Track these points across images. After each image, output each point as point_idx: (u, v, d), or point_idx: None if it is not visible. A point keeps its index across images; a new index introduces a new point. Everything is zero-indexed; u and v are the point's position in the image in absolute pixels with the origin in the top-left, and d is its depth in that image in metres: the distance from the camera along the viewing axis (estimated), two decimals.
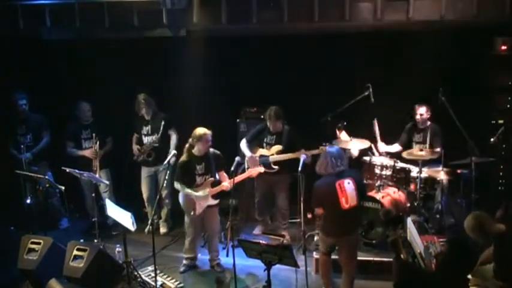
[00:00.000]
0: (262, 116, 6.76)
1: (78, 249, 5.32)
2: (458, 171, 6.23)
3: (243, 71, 7.14)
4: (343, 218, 4.93)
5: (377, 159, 6.48)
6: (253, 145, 6.45)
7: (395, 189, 6.36)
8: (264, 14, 6.48)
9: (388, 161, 6.42)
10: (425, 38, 6.60)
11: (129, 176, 7.14)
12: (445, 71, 6.67)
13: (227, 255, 6.08)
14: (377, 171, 6.42)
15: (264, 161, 6.30)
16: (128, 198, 6.85)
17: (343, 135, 6.37)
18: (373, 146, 6.53)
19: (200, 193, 5.71)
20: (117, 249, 5.89)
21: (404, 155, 6.30)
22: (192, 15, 6.53)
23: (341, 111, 6.44)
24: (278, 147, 6.33)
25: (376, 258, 5.78)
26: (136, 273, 5.55)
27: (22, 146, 6.63)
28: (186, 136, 6.10)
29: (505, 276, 4.18)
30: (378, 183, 6.32)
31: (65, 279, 5.20)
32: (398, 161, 6.35)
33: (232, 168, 5.39)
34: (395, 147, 6.69)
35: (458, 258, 3.84)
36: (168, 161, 5.60)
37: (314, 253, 5.77)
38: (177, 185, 5.75)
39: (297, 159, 5.53)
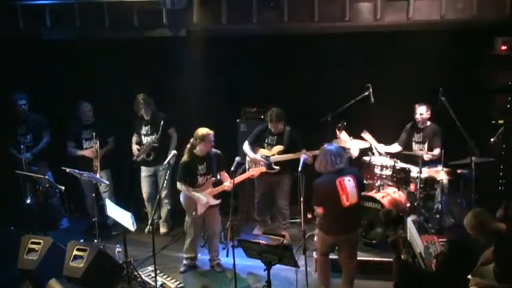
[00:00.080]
0: (262, 116, 6.77)
1: (78, 249, 5.33)
2: (458, 171, 6.23)
3: (243, 71, 7.14)
4: (344, 216, 4.93)
5: (377, 159, 6.48)
6: (255, 146, 6.45)
7: (395, 189, 6.36)
8: (264, 14, 6.47)
9: (388, 161, 6.42)
10: (425, 38, 6.60)
11: (129, 176, 7.16)
12: (445, 71, 6.67)
13: (227, 255, 6.08)
14: (377, 171, 6.42)
15: (266, 161, 6.30)
16: (128, 198, 6.85)
17: (343, 135, 6.37)
18: (373, 146, 6.53)
19: (202, 197, 5.71)
20: (117, 249, 5.89)
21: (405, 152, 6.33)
22: (192, 15, 6.53)
23: (341, 111, 6.44)
24: (279, 148, 6.33)
25: (376, 258, 5.78)
26: (136, 273, 5.55)
27: (22, 146, 6.63)
28: (186, 136, 6.10)
29: (505, 277, 4.18)
30: (378, 183, 6.32)
31: (65, 279, 5.20)
32: (398, 161, 6.35)
33: (232, 168, 5.40)
34: (395, 147, 6.69)
35: (458, 259, 3.84)
36: (168, 161, 5.60)
37: (314, 253, 5.77)
38: (179, 186, 5.75)
39: (298, 160, 5.53)
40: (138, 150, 6.80)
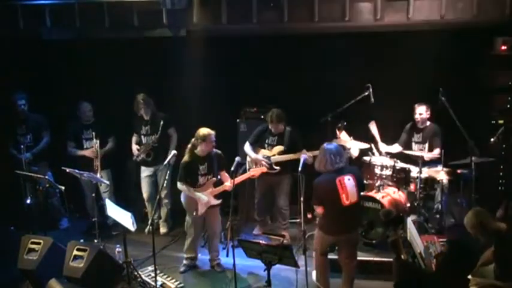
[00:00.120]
0: (262, 116, 6.78)
1: (78, 249, 5.33)
2: (458, 171, 6.23)
3: (243, 71, 7.14)
4: (344, 215, 4.92)
5: (377, 159, 6.48)
6: (255, 147, 6.46)
7: (395, 189, 6.36)
8: (264, 14, 6.47)
9: (388, 161, 6.42)
10: (425, 38, 6.60)
11: (129, 176, 7.15)
12: (445, 71, 6.67)
13: (227, 255, 6.08)
14: (377, 171, 6.42)
15: (267, 162, 6.31)
16: (128, 198, 6.85)
17: (343, 135, 6.37)
18: (373, 146, 6.53)
19: (203, 196, 5.72)
20: (117, 249, 5.89)
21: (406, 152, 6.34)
22: (192, 15, 6.53)
23: (341, 111, 6.44)
24: (280, 148, 6.33)
25: (376, 258, 5.79)
26: (136, 273, 5.55)
27: (22, 146, 6.63)
28: (186, 136, 6.10)
29: (506, 276, 4.18)
30: (378, 183, 6.32)
31: (65, 279, 5.20)
32: (398, 161, 6.35)
33: (232, 168, 5.40)
34: (396, 148, 6.69)
35: (458, 259, 3.84)
36: (168, 161, 5.60)
37: (314, 253, 5.76)
38: (179, 185, 5.75)
39: (298, 160, 5.53)
40: (138, 150, 6.80)
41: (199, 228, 6.01)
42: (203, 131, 5.64)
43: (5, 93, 6.81)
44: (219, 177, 5.85)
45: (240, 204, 6.98)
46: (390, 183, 6.36)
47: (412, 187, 6.34)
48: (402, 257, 4.06)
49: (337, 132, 6.38)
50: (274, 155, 6.35)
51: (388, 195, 6.21)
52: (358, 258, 5.31)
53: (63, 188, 6.20)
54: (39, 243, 5.40)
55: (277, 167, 6.32)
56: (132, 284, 5.45)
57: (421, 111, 6.43)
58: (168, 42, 6.90)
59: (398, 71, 6.77)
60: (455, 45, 6.66)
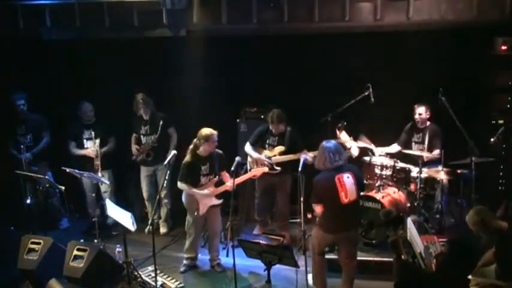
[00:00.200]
0: (262, 116, 6.78)
1: (78, 249, 5.33)
2: (458, 171, 6.22)
3: (243, 71, 7.14)
4: (343, 213, 4.91)
5: (377, 159, 6.48)
6: (256, 147, 6.46)
7: (395, 189, 6.36)
8: (264, 14, 6.47)
9: (388, 161, 6.42)
10: (425, 38, 6.60)
11: (129, 176, 7.15)
12: (445, 71, 6.67)
13: (227, 255, 6.08)
14: (377, 171, 6.42)
15: (269, 162, 6.31)
16: (128, 199, 6.84)
17: (343, 135, 6.37)
18: (373, 146, 6.54)
19: (205, 191, 5.73)
20: (117, 249, 5.89)
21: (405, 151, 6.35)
22: (192, 15, 6.53)
23: (341, 111, 6.44)
24: (280, 148, 6.33)
25: (376, 258, 5.78)
26: (136, 273, 5.55)
27: (22, 146, 6.63)
28: (186, 136, 6.10)
29: (506, 276, 4.17)
30: (378, 183, 6.32)
31: (65, 279, 5.20)
32: (398, 161, 6.35)
33: (232, 168, 5.40)
34: (394, 148, 6.69)
35: (458, 259, 3.85)
36: (168, 161, 5.59)
37: (311, 253, 5.76)
38: (180, 185, 5.75)
39: (299, 160, 5.53)
40: (138, 150, 6.80)
41: (200, 228, 6.01)
42: (205, 131, 5.64)
43: (5, 93, 6.81)
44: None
45: (240, 204, 6.98)
46: (390, 183, 6.36)
47: (412, 187, 6.34)
48: (402, 257, 4.07)
49: (337, 132, 6.38)
50: (275, 155, 6.35)
51: (388, 195, 6.21)
52: (358, 258, 5.31)
53: (63, 188, 6.20)
54: (39, 243, 5.40)
55: (278, 168, 6.32)
56: (132, 284, 5.45)
57: (421, 112, 6.43)
58: (168, 42, 6.89)
59: (398, 71, 6.77)
60: (455, 45, 6.67)
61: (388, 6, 6.28)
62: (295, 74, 7.17)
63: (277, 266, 4.59)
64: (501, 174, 6.66)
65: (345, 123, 6.40)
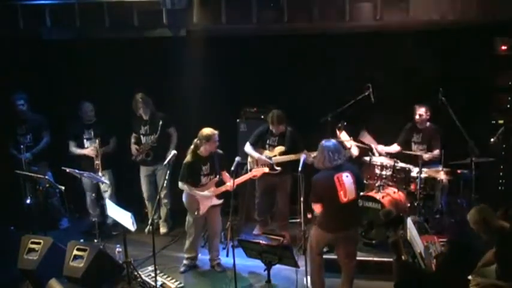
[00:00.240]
0: (262, 116, 6.78)
1: (78, 249, 5.33)
2: (458, 171, 6.23)
3: (243, 71, 7.14)
4: (342, 212, 4.91)
5: (377, 159, 6.49)
6: (256, 147, 6.46)
7: (395, 189, 6.36)
8: (264, 14, 6.47)
9: (388, 161, 6.43)
10: (425, 38, 6.60)
11: (129, 176, 7.15)
12: (445, 71, 6.67)
13: (227, 255, 6.09)
14: (377, 171, 6.42)
15: (270, 162, 6.31)
16: (128, 199, 6.84)
17: (343, 135, 6.38)
18: (373, 146, 6.54)
19: (206, 193, 5.73)
20: (117, 249, 5.89)
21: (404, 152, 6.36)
22: (192, 15, 6.52)
23: (341, 111, 6.44)
24: (281, 149, 6.33)
25: (376, 258, 5.79)
26: (136, 273, 5.55)
27: (22, 146, 6.63)
28: (186, 136, 6.09)
29: (507, 276, 4.18)
30: (378, 183, 6.32)
31: (65, 279, 5.21)
32: (398, 161, 6.36)
33: (232, 168, 5.40)
34: (394, 148, 6.70)
35: (458, 259, 3.85)
36: (168, 161, 5.59)
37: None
38: (181, 185, 5.75)
39: (299, 160, 5.54)
40: (137, 150, 6.80)
41: (200, 228, 6.01)
42: (206, 131, 5.64)
43: (5, 93, 6.80)
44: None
45: (240, 204, 6.97)
46: (390, 183, 6.37)
47: (412, 187, 6.34)
48: (403, 257, 4.07)
49: (337, 132, 6.38)
50: (275, 156, 6.35)
51: (388, 195, 6.21)
52: (358, 258, 5.31)
53: (63, 188, 6.20)
54: (39, 243, 5.40)
55: (278, 168, 6.32)
56: (132, 284, 5.45)
57: (421, 113, 6.43)
58: (168, 42, 6.89)
59: (398, 71, 6.77)
60: (455, 45, 6.66)
61: (388, 6, 6.27)
62: (295, 74, 7.17)
63: (277, 266, 4.59)
64: (501, 174, 6.66)
65: (345, 123, 6.40)
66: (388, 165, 6.37)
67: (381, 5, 6.25)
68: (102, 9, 6.67)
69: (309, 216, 6.38)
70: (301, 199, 5.07)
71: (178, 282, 5.70)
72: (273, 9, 6.43)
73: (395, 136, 6.75)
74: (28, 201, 6.62)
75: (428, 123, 6.49)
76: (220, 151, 5.83)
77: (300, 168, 5.22)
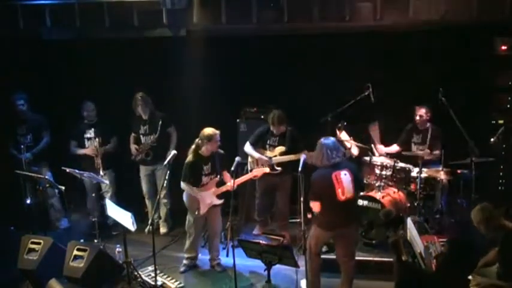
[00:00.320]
0: (262, 116, 6.78)
1: (78, 249, 5.33)
2: (458, 171, 6.23)
3: (243, 71, 7.14)
4: (340, 210, 4.91)
5: (377, 159, 6.49)
6: (256, 147, 6.46)
7: (395, 190, 6.36)
8: (264, 14, 6.47)
9: (388, 161, 6.43)
10: (425, 38, 6.60)
11: (129, 175, 7.15)
12: (445, 71, 6.67)
13: (227, 255, 6.08)
14: (377, 171, 6.42)
15: (271, 162, 6.32)
16: (128, 199, 6.84)
17: (343, 135, 6.37)
18: (372, 146, 6.54)
19: (207, 195, 5.74)
20: (117, 249, 5.89)
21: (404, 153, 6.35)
22: (192, 15, 6.53)
23: (341, 111, 6.44)
24: (281, 149, 6.33)
25: (376, 258, 5.78)
26: (136, 273, 5.55)
27: (22, 146, 6.62)
28: (186, 136, 6.09)
29: (507, 277, 4.18)
30: (378, 183, 6.32)
31: (65, 279, 5.20)
32: (398, 161, 6.36)
33: (232, 168, 5.40)
34: (394, 148, 6.70)
35: (458, 258, 3.85)
36: (168, 161, 5.59)
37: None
38: (183, 185, 5.75)
39: (299, 160, 5.53)
40: (137, 149, 6.80)
41: (200, 228, 6.01)
42: (208, 130, 5.64)
43: (5, 93, 6.80)
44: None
45: (240, 204, 6.98)
46: (390, 183, 6.37)
47: (412, 187, 6.34)
48: (403, 258, 4.06)
49: (337, 132, 6.38)
50: (275, 156, 6.35)
51: (388, 195, 6.21)
52: (358, 258, 5.31)
53: (63, 188, 6.21)
54: (39, 243, 5.40)
55: (279, 168, 6.32)
56: (132, 284, 5.45)
57: (422, 114, 6.43)
58: (168, 42, 6.90)
59: (398, 71, 6.77)
60: (455, 45, 6.66)
61: (388, 6, 6.28)
62: (295, 74, 7.17)
63: (277, 266, 4.59)
64: (501, 174, 6.67)
65: (345, 123, 6.39)
66: (388, 165, 6.37)
67: (381, 5, 6.26)
68: (102, 9, 6.67)
69: (309, 216, 6.38)
70: (301, 199, 5.07)
71: (178, 282, 5.70)
72: (273, 9, 6.44)
73: (396, 136, 6.75)
74: (28, 201, 6.61)
75: (428, 124, 6.49)
76: (221, 151, 5.83)
77: (300, 168, 5.22)
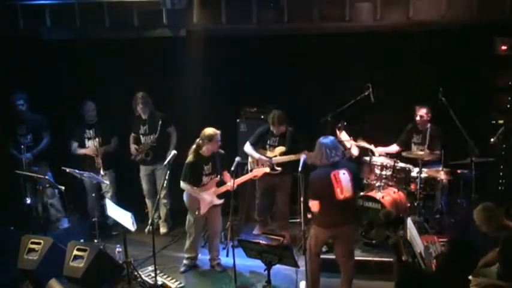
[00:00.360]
0: (262, 116, 6.78)
1: (78, 249, 5.33)
2: (458, 171, 6.23)
3: (243, 71, 7.13)
4: (338, 209, 4.91)
5: (377, 159, 6.49)
6: (257, 147, 6.45)
7: (395, 190, 6.36)
8: (264, 14, 6.47)
9: (388, 161, 6.43)
10: (425, 38, 6.60)
11: (129, 175, 7.15)
12: (445, 71, 6.67)
13: (227, 255, 6.08)
14: (377, 171, 6.42)
15: (271, 162, 6.31)
16: (128, 199, 6.84)
17: (343, 135, 6.38)
18: (372, 147, 6.54)
19: (207, 195, 5.73)
20: (117, 249, 5.89)
21: (404, 154, 6.34)
22: (192, 15, 6.53)
23: (341, 111, 6.44)
24: (281, 149, 6.33)
25: (376, 258, 5.78)
26: (136, 273, 5.55)
27: (22, 146, 6.62)
28: (186, 136, 6.08)
29: (508, 277, 4.18)
30: (378, 183, 6.32)
31: (65, 279, 5.20)
32: (398, 161, 6.36)
33: (232, 168, 5.40)
34: (393, 148, 6.70)
35: (458, 258, 3.84)
36: (168, 161, 5.59)
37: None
38: (183, 185, 5.75)
39: (299, 160, 5.53)
40: (136, 149, 6.80)
41: (200, 228, 6.01)
42: (209, 130, 5.64)
43: (5, 93, 6.80)
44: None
45: (240, 204, 6.97)
46: (390, 183, 6.37)
47: (412, 187, 6.34)
48: (403, 258, 4.06)
49: (337, 132, 6.38)
50: (275, 156, 6.35)
51: (388, 195, 6.21)
52: (358, 258, 5.31)
53: (63, 188, 6.21)
54: (39, 243, 5.40)
55: (279, 168, 6.32)
56: (132, 284, 5.44)
57: (422, 114, 6.42)
58: (168, 42, 6.89)
59: (398, 71, 6.77)
60: (455, 45, 6.66)
61: (388, 6, 6.28)
62: (295, 74, 7.17)
63: (277, 266, 4.58)
64: (501, 174, 6.67)
65: (345, 123, 6.40)
66: (388, 165, 6.37)
67: (381, 5, 6.26)
68: (102, 9, 6.67)
69: (309, 216, 6.38)
70: (301, 199, 5.07)
71: (178, 282, 5.70)
72: (273, 9, 6.44)
73: (395, 136, 6.75)
74: (28, 201, 6.61)
75: (429, 124, 6.48)
76: (222, 151, 5.83)
77: (300, 169, 5.22)
